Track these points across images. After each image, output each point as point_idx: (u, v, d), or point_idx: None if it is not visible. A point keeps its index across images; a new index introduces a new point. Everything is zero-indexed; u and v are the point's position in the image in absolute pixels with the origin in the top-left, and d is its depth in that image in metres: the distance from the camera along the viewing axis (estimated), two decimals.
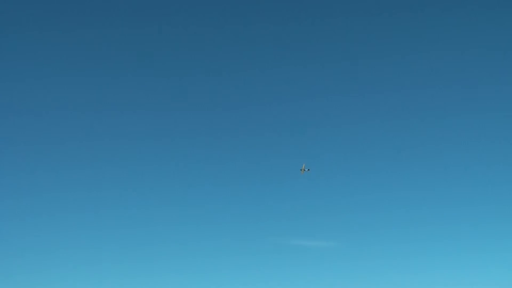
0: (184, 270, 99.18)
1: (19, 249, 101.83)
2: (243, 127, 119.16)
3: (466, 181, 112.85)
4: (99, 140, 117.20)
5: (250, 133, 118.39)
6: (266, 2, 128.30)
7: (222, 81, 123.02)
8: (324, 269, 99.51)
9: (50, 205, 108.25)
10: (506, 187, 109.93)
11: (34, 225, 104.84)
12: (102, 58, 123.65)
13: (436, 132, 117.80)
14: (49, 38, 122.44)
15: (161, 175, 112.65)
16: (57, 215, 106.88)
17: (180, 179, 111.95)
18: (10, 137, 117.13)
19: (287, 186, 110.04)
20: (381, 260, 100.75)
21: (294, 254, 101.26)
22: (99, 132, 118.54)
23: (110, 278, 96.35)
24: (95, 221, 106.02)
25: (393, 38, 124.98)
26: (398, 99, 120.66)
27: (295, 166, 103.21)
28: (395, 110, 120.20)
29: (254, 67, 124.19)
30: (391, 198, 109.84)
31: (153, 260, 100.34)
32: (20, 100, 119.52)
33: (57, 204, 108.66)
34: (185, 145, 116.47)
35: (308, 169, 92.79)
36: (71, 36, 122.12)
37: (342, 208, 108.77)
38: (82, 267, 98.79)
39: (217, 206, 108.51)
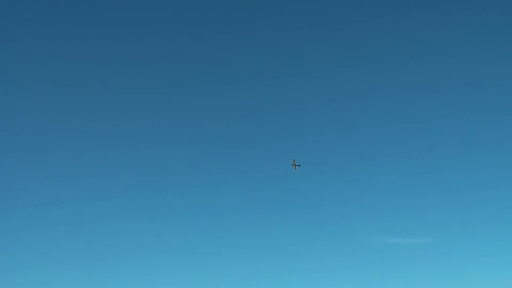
0: (284, 273, 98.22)
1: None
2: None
3: None
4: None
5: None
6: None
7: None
8: (421, 266, 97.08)
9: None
10: None
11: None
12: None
13: None
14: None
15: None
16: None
17: (266, 181, 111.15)
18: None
19: (380, 183, 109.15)
20: (480, 258, 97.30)
21: (389, 252, 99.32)
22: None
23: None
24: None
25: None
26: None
27: (384, 164, 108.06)
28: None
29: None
30: (490, 194, 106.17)
31: (245, 264, 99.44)
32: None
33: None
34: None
35: (299, 164, 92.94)
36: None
37: (438, 203, 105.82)
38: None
39: (309, 207, 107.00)
